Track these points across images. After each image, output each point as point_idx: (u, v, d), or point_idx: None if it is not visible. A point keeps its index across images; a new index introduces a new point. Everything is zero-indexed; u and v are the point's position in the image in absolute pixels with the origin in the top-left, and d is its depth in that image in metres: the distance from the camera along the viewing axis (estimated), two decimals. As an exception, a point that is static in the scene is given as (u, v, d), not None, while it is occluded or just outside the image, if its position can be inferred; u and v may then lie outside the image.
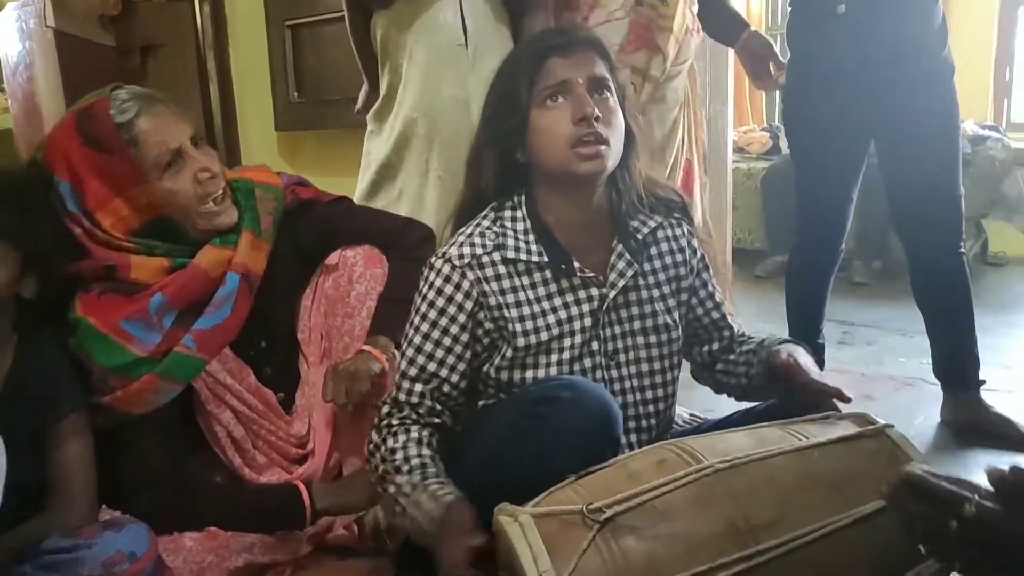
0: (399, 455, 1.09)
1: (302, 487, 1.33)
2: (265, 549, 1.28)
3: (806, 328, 1.93)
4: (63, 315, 1.27)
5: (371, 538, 1.37)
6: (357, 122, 2.99)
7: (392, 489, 1.07)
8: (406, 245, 1.47)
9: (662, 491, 0.86)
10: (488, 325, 1.15)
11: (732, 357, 1.28)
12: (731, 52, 2.78)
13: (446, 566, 0.94)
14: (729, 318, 1.30)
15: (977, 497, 0.68)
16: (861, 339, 2.70)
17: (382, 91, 1.81)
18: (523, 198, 1.18)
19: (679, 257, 1.24)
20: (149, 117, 1.25)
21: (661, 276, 1.22)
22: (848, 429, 0.98)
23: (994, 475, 0.68)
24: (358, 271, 1.43)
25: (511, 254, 1.15)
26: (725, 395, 1.33)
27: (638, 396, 1.20)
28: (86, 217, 1.25)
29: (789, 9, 1.88)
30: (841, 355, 2.54)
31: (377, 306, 1.42)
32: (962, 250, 1.77)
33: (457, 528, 0.95)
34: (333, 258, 1.44)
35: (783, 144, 4.01)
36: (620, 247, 1.19)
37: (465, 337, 1.14)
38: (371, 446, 1.14)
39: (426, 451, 1.09)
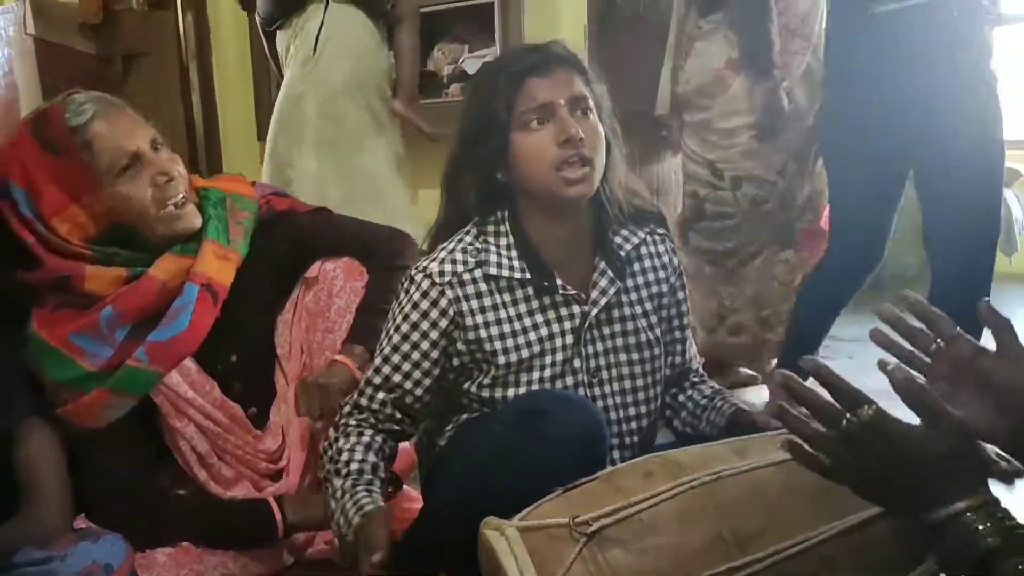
0: (344, 456, 1.11)
1: (272, 501, 1.30)
2: (241, 565, 1.26)
3: (812, 338, 1.92)
4: (17, 320, 1.25)
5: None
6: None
7: (329, 490, 1.10)
8: (386, 255, 1.44)
9: (648, 504, 0.85)
10: (460, 347, 1.14)
11: (682, 399, 1.28)
12: None
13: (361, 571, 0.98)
14: (691, 349, 1.29)
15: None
16: (843, 353, 2.72)
17: None
18: (506, 213, 1.17)
19: (661, 274, 1.23)
20: (104, 120, 1.23)
21: (644, 293, 1.21)
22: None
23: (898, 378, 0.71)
24: (338, 285, 1.41)
25: (493, 270, 1.14)
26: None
27: (621, 413, 1.19)
28: (41, 223, 1.22)
29: (826, 25, 1.90)
30: (823, 370, 2.55)
31: (355, 315, 1.40)
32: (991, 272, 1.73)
33: (368, 541, 0.99)
34: (313, 271, 1.42)
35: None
36: (603, 264, 1.18)
37: (435, 354, 1.13)
38: (325, 443, 1.16)
39: (372, 457, 1.11)
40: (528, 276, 1.14)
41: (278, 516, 1.28)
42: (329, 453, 1.14)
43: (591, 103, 1.14)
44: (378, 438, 1.14)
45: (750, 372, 2.37)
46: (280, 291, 1.42)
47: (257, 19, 2.32)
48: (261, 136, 3.16)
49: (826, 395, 0.75)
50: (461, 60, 2.69)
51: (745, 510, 0.85)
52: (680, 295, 1.26)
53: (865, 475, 0.74)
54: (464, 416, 1.19)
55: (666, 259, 1.24)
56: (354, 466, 1.10)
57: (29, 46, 3.13)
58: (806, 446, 0.76)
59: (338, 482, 1.09)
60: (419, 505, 1.30)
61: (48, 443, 1.23)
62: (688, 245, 2.18)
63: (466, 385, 1.16)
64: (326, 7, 2.12)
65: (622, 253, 1.20)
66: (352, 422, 1.15)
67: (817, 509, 0.87)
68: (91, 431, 1.23)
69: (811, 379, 0.79)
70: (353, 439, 1.13)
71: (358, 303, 1.39)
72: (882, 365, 0.78)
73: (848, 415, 0.72)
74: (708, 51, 2.05)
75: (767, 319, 2.19)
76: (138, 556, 1.20)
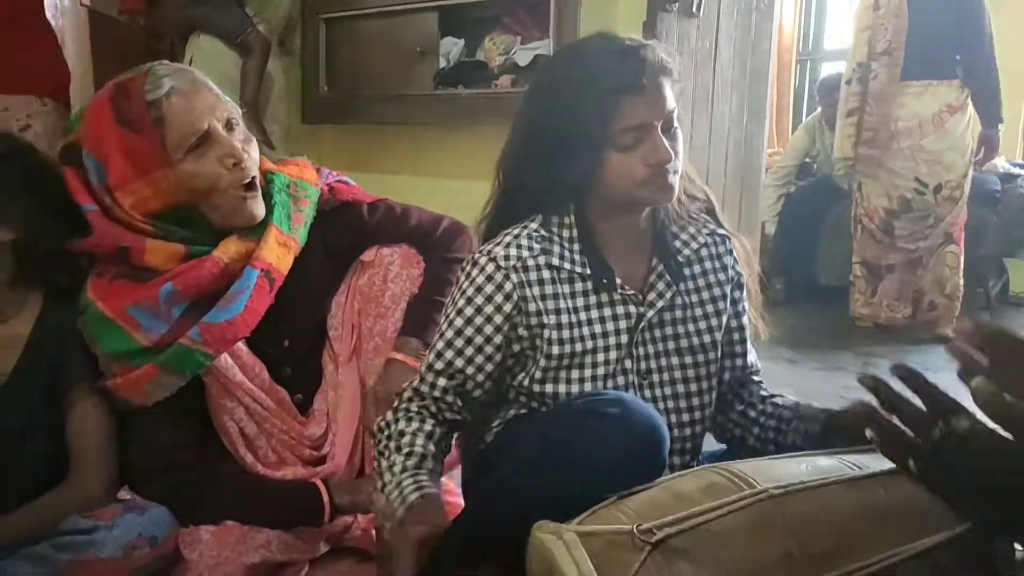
0: (406, 438, 1.08)
1: (320, 483, 1.30)
2: (283, 546, 1.25)
3: None
4: (74, 286, 1.25)
5: (388, 543, 1.35)
6: (383, 118, 2.99)
7: (384, 463, 1.07)
8: (443, 244, 1.43)
9: (715, 515, 0.82)
10: (522, 332, 1.12)
11: (753, 414, 1.24)
12: (772, 73, 2.84)
13: (397, 553, 0.96)
14: (750, 356, 1.26)
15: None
16: (884, 369, 2.66)
17: None
18: (571, 207, 1.15)
19: (721, 276, 1.21)
20: (180, 96, 1.20)
21: (704, 295, 1.19)
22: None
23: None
24: (394, 271, 1.40)
25: (556, 261, 1.12)
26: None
27: (673, 419, 1.17)
28: (107, 194, 1.21)
29: None
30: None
31: (409, 306, 1.38)
32: None
33: (422, 520, 0.97)
34: (369, 255, 1.41)
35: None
36: (660, 267, 1.16)
37: (498, 339, 1.11)
38: (381, 422, 1.13)
39: (431, 446, 1.09)
40: (588, 271, 1.13)
41: (325, 498, 1.27)
42: (386, 432, 1.11)
43: (677, 111, 1.12)
44: (438, 429, 1.11)
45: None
46: (337, 276, 1.41)
47: None
48: (306, 119, 3.18)
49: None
50: (512, 51, 2.66)
51: (815, 528, 0.82)
52: (737, 295, 1.23)
53: (956, 486, 0.71)
54: (511, 412, 1.17)
55: (727, 260, 1.21)
56: (417, 448, 1.07)
57: (83, 17, 3.16)
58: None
59: (398, 458, 1.06)
60: (457, 500, 1.28)
61: (98, 411, 1.23)
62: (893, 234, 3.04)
63: (518, 379, 1.14)
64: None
65: (680, 257, 1.18)
66: (414, 408, 1.12)
67: (888, 532, 0.84)
68: (140, 407, 1.23)
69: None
70: (415, 424, 1.10)
71: (414, 293, 1.38)
72: (962, 375, 0.75)
73: (940, 424, 0.69)
74: (920, 101, 2.90)
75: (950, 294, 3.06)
76: (182, 532, 1.20)
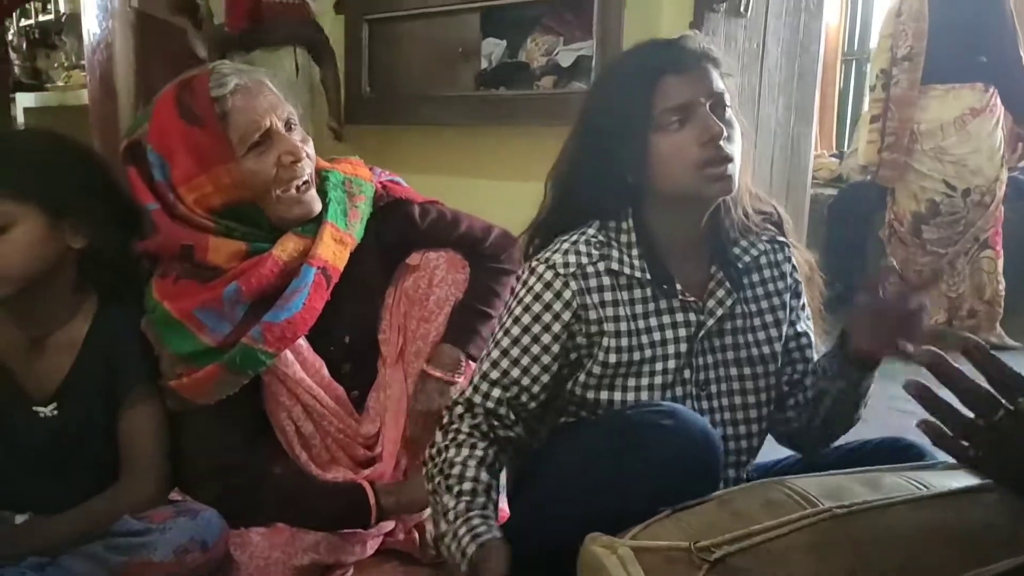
0: (456, 471, 1.03)
1: (367, 485, 1.30)
2: (331, 549, 1.25)
3: None
4: (138, 286, 1.27)
5: (432, 546, 1.34)
6: (425, 119, 3.00)
7: (439, 507, 1.02)
8: (491, 254, 1.43)
9: (776, 533, 0.80)
10: (581, 340, 1.09)
11: (801, 399, 1.19)
12: (819, 73, 2.81)
13: None
14: (812, 360, 1.21)
15: None
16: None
17: None
18: (630, 211, 1.13)
19: (780, 284, 1.18)
20: (243, 94, 1.22)
21: (764, 304, 1.16)
22: (968, 479, 0.91)
23: None
24: (439, 275, 1.39)
25: (615, 266, 1.10)
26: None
27: (730, 430, 1.14)
28: (171, 190, 1.23)
29: None
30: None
31: (452, 313, 1.38)
32: None
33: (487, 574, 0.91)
34: (415, 258, 1.41)
35: (851, 171, 3.91)
36: (720, 274, 1.13)
37: (556, 348, 1.08)
38: (432, 450, 1.08)
39: (484, 475, 1.03)
40: (648, 276, 1.10)
41: (372, 500, 1.27)
42: (436, 462, 1.06)
43: (728, 99, 1.09)
44: (491, 451, 1.06)
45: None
46: (388, 273, 1.41)
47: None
48: (348, 119, 3.19)
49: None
50: (555, 52, 2.65)
51: (881, 549, 0.79)
52: (795, 303, 1.20)
53: (1020, 472, 0.66)
54: (561, 420, 1.16)
55: (786, 268, 1.18)
56: (467, 485, 1.01)
57: (131, 19, 3.21)
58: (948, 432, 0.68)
59: (451, 502, 1.00)
60: (503, 509, 1.27)
61: (154, 413, 1.24)
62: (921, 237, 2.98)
63: (569, 384, 1.11)
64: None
65: (739, 264, 1.15)
66: (465, 428, 1.07)
67: (956, 555, 0.81)
68: (198, 407, 1.24)
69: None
70: (465, 452, 1.04)
71: (458, 300, 1.38)
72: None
73: (1006, 404, 0.64)
74: (943, 105, 2.86)
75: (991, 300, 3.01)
76: (232, 534, 1.20)
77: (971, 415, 0.67)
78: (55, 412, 1.21)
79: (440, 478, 1.04)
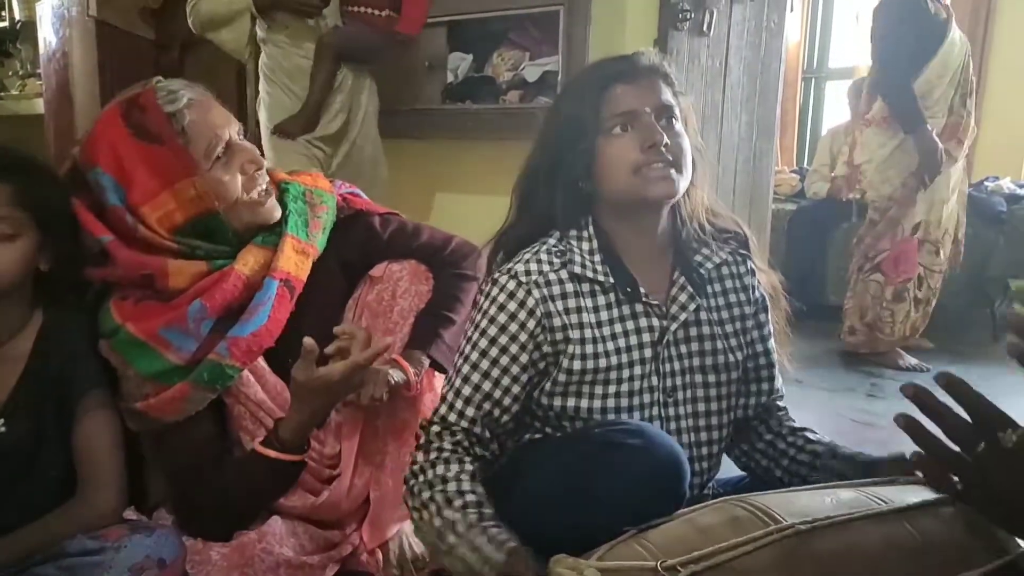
0: (452, 486, 1.02)
1: (259, 447, 1.24)
2: (291, 572, 1.23)
3: None
4: (83, 294, 1.26)
5: (395, 566, 1.33)
6: (392, 133, 2.97)
7: (439, 523, 1.00)
8: (452, 261, 1.42)
9: (742, 551, 0.80)
10: (547, 348, 1.09)
11: (782, 446, 1.21)
12: (780, 90, 2.85)
13: None
14: (777, 381, 1.24)
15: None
16: (891, 392, 2.65)
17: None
18: (589, 219, 1.14)
19: (743, 296, 1.19)
20: (199, 107, 1.22)
21: (724, 314, 1.18)
22: (926, 494, 0.93)
23: None
24: (403, 286, 1.38)
25: (577, 270, 1.11)
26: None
27: (692, 437, 1.15)
28: (130, 213, 1.20)
29: None
30: (873, 408, 2.49)
31: (416, 320, 1.37)
32: None
33: None
34: (378, 270, 1.39)
35: (811, 187, 3.98)
36: (682, 279, 1.14)
37: (524, 358, 1.09)
38: (415, 467, 1.07)
39: (480, 489, 1.03)
40: (611, 280, 1.12)
41: (277, 439, 1.24)
42: (424, 479, 1.04)
43: (677, 112, 1.12)
44: (475, 466, 1.05)
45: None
46: (348, 286, 1.40)
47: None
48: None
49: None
50: (521, 67, 2.66)
51: (845, 565, 0.80)
52: (762, 318, 1.21)
53: (1004, 503, 0.68)
54: (526, 436, 1.15)
55: (748, 280, 1.20)
56: (470, 497, 1.00)
57: (90, 27, 3.15)
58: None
59: (455, 514, 0.98)
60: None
61: (109, 422, 1.22)
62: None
63: (534, 393, 1.11)
64: None
65: (702, 271, 1.16)
66: (447, 446, 1.06)
67: (918, 566, 0.82)
68: (159, 426, 1.22)
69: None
70: (455, 467, 1.04)
71: (422, 308, 1.36)
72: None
73: (987, 438, 0.66)
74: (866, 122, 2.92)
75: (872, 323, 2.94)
76: (191, 552, 1.17)
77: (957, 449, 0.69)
78: (3, 428, 1.17)
79: (434, 493, 1.02)
